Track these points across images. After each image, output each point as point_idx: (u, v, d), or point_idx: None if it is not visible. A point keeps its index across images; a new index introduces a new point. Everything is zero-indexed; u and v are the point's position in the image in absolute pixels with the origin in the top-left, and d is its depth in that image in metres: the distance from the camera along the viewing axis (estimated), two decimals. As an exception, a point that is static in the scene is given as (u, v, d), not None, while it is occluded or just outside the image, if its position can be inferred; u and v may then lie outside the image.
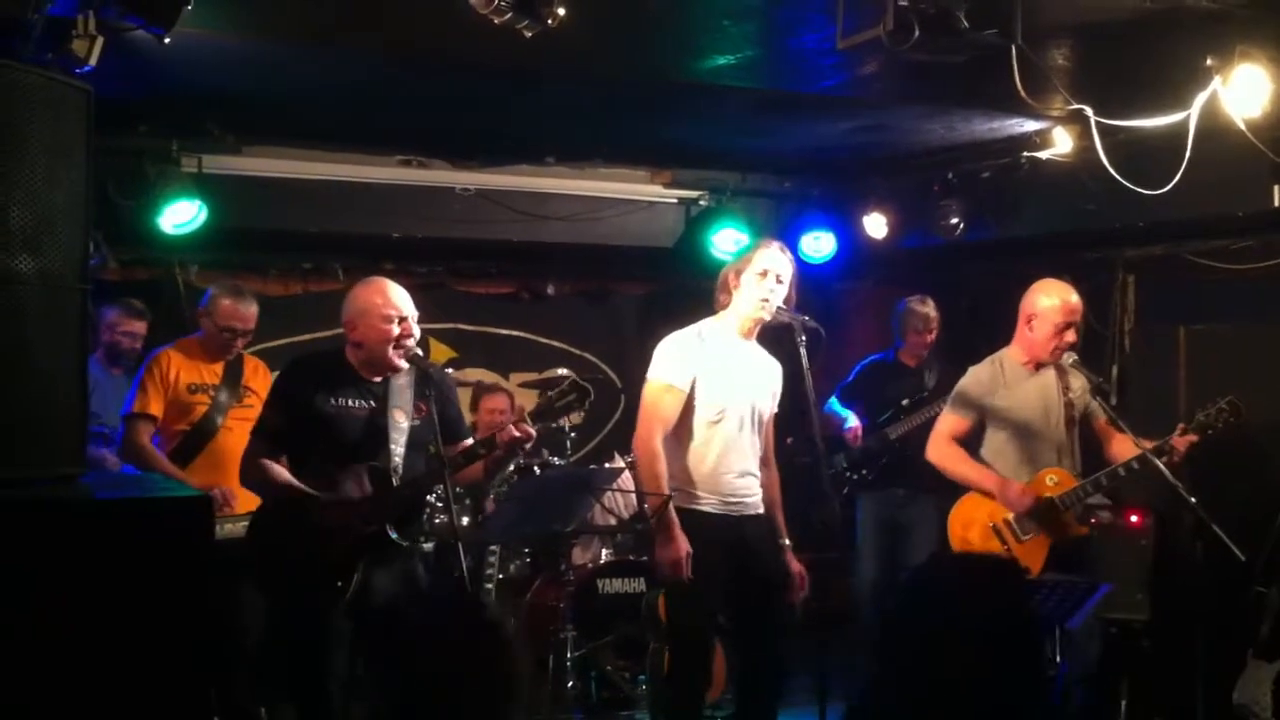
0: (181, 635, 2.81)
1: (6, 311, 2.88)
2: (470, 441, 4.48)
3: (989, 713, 2.16)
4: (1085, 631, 5.11)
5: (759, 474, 4.82)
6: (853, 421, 6.87)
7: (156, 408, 5.58)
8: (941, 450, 5.32)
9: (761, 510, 4.81)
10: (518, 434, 4.27)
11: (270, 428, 4.44)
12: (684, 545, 4.53)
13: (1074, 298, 5.20)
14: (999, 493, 5.12)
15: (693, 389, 4.68)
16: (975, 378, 5.33)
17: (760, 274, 4.69)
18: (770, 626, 4.72)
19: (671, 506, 4.57)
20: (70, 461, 3.06)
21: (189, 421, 5.63)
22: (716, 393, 4.69)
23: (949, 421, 5.34)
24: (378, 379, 4.39)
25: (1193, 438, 4.94)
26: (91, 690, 2.74)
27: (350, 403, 4.35)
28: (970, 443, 5.30)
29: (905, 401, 6.84)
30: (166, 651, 2.81)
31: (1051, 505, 5.06)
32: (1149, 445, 4.93)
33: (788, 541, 4.90)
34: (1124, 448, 5.14)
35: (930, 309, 6.96)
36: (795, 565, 4.84)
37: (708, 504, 4.67)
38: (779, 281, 4.70)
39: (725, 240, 7.51)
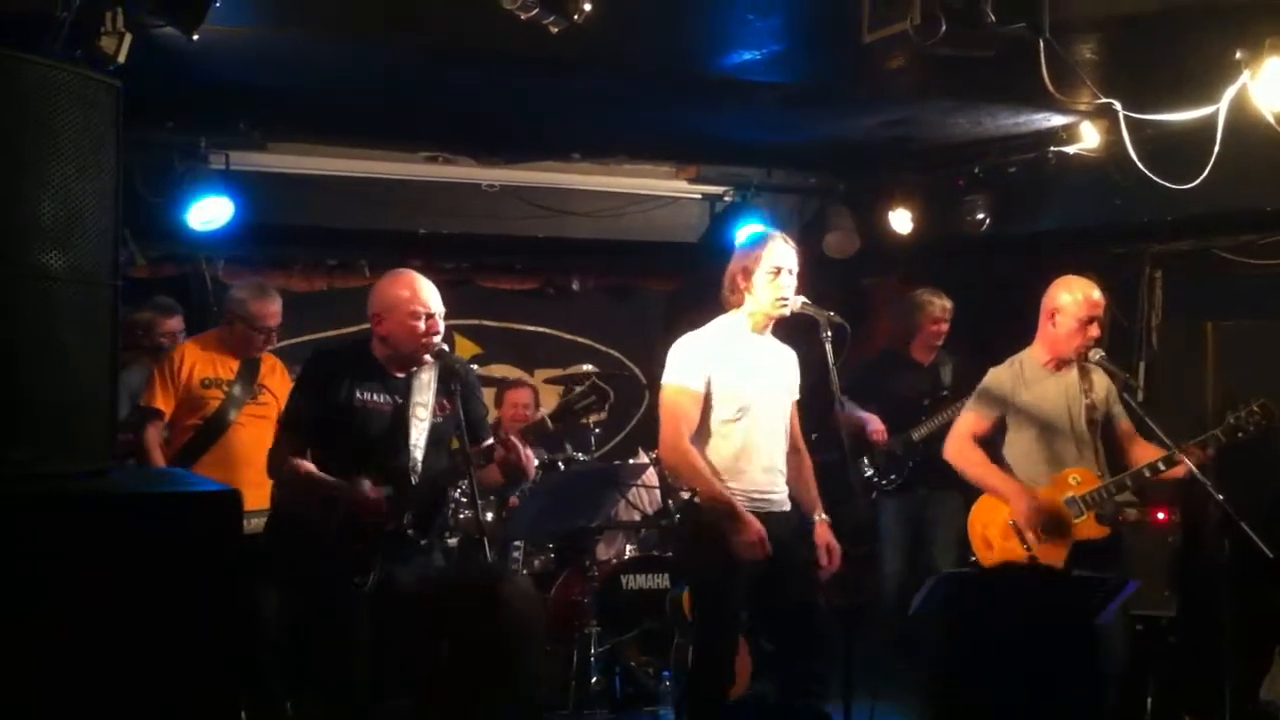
0: (211, 629, 2.82)
1: (37, 307, 2.89)
2: (490, 442, 4.47)
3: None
4: (1111, 628, 5.09)
5: (785, 469, 4.81)
6: (875, 424, 6.83)
7: (163, 402, 5.60)
8: (960, 450, 5.32)
9: (788, 507, 4.79)
10: (511, 450, 4.26)
11: (297, 418, 4.41)
12: (756, 524, 4.50)
13: (1096, 293, 5.19)
14: (1012, 503, 5.13)
15: (710, 389, 4.66)
16: (996, 378, 5.33)
17: (772, 272, 4.67)
18: (804, 624, 4.69)
19: (728, 493, 4.56)
20: (99, 456, 3.07)
21: (201, 416, 5.65)
22: (734, 391, 4.67)
23: (968, 420, 5.34)
24: (401, 374, 4.38)
25: (1211, 452, 4.91)
26: (122, 685, 2.76)
27: (375, 397, 4.32)
28: (992, 442, 5.29)
29: (926, 402, 6.82)
30: (196, 646, 2.82)
31: (1061, 517, 5.05)
32: (1161, 454, 4.93)
33: (824, 517, 4.87)
34: (1145, 452, 5.14)
35: (945, 300, 6.94)
36: (826, 537, 4.80)
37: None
38: (790, 275, 4.69)
39: (743, 239, 7.48)
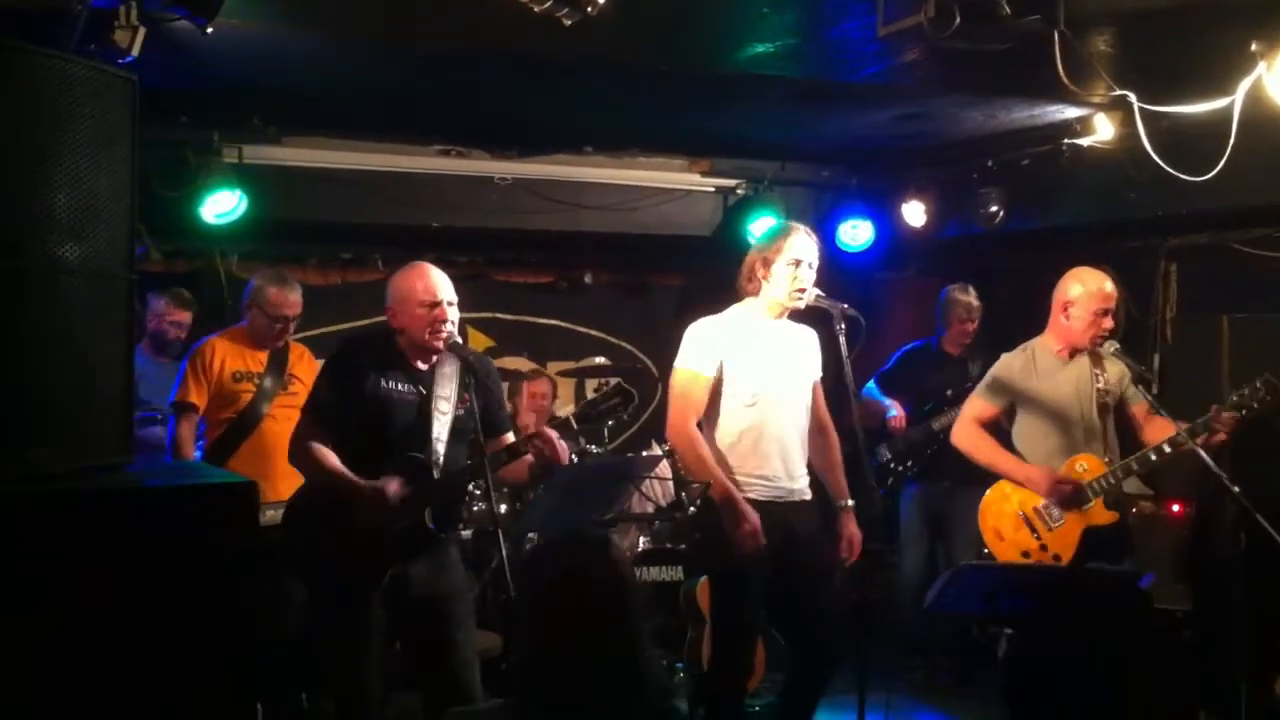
0: (227, 620, 2.83)
1: (53, 300, 2.90)
2: (510, 438, 4.47)
3: None
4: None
5: (805, 455, 4.79)
6: (896, 411, 6.83)
7: (197, 397, 5.61)
8: (968, 435, 5.32)
9: (809, 496, 4.78)
10: (546, 443, 4.26)
11: (321, 407, 4.37)
12: (754, 517, 4.50)
13: (1109, 285, 5.18)
14: (1028, 481, 5.11)
15: (723, 374, 4.66)
16: (1007, 365, 5.33)
17: (792, 264, 4.66)
18: (818, 619, 4.68)
19: (730, 483, 4.55)
20: (116, 450, 3.08)
21: (234, 410, 5.65)
22: (749, 376, 4.66)
23: (975, 406, 5.34)
24: (424, 367, 4.38)
25: (1233, 414, 4.84)
26: (140, 676, 2.77)
27: (400, 387, 4.31)
28: (1001, 429, 5.28)
29: (949, 392, 6.80)
30: (213, 637, 2.83)
31: (1081, 491, 5.03)
32: (1185, 426, 4.88)
33: (850, 503, 4.86)
34: (1162, 432, 5.08)
35: (973, 297, 6.93)
36: (850, 527, 4.79)
37: (752, 491, 4.62)
38: (810, 268, 4.69)
39: (763, 229, 7.47)
